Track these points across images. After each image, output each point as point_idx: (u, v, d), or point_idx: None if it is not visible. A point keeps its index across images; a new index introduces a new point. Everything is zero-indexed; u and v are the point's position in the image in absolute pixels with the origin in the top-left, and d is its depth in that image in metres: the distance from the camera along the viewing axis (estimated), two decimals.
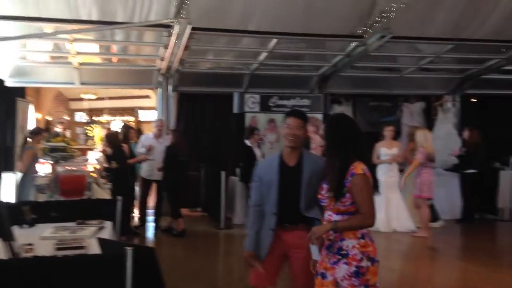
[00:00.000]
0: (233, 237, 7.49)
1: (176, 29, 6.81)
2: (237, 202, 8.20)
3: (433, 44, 8.68)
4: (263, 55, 8.62)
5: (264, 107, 9.03)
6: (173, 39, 7.15)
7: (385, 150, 7.86)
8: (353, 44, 8.36)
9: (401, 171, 8.14)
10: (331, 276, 2.78)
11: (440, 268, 6.29)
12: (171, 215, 7.66)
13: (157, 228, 7.91)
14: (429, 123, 10.56)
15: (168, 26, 6.98)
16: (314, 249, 2.81)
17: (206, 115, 9.79)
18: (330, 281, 2.78)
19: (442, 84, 10.54)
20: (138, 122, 15.14)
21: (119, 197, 4.30)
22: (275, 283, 3.32)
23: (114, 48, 8.91)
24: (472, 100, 10.98)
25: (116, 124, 14.65)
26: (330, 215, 2.84)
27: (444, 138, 9.71)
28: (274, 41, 7.97)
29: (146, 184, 7.94)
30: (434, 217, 8.02)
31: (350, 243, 2.74)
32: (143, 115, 15.30)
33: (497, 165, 9.42)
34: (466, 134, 8.76)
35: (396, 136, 8.53)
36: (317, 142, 8.98)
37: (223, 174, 7.90)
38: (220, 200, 7.90)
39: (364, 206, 2.72)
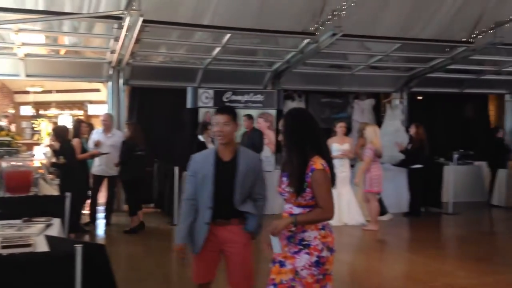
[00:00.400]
0: None
1: (127, 21, 6.66)
2: None
3: (381, 43, 8.94)
4: (216, 50, 8.58)
5: (218, 102, 8.99)
6: (124, 31, 6.99)
7: (337, 145, 8.02)
8: (305, 41, 8.48)
9: (352, 166, 8.35)
10: (290, 265, 2.82)
11: (388, 260, 6.51)
12: (129, 213, 7.51)
13: (108, 224, 7.74)
14: (379, 119, 10.89)
15: (118, 18, 6.82)
16: (275, 241, 2.84)
17: (158, 109, 9.62)
18: (289, 269, 2.82)
19: (390, 82, 10.88)
20: (88, 117, 14.71)
21: (68, 194, 4.18)
22: (215, 276, 3.38)
23: (62, 39, 8.60)
24: (418, 97, 11.41)
25: (64, 118, 14.20)
26: (290, 208, 2.88)
27: (392, 134, 10.05)
28: (228, 36, 7.96)
29: (97, 181, 7.74)
30: (382, 210, 8.28)
31: (312, 234, 2.81)
32: (93, 109, 14.87)
33: (442, 160, 9.82)
34: (412, 130, 9.06)
35: (347, 132, 8.74)
36: (270, 137, 9.07)
37: (176, 169, 7.82)
38: (173, 196, 7.82)
39: (324, 200, 2.78)
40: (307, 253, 2.78)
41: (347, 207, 8.03)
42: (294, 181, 2.79)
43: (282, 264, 2.85)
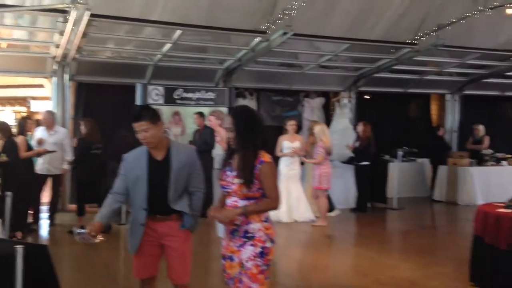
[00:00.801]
0: None
1: (73, 15, 6.45)
2: None
3: (330, 42, 9.12)
4: (167, 46, 8.46)
5: (169, 99, 8.88)
6: (69, 25, 6.77)
7: (288, 143, 8.12)
8: (257, 40, 8.52)
9: (302, 164, 8.48)
10: (237, 258, 2.94)
11: (336, 255, 6.68)
12: (78, 214, 7.27)
13: (52, 224, 7.49)
14: (328, 118, 11.12)
15: (64, 11, 6.59)
16: (220, 227, 2.97)
17: (106, 106, 9.35)
18: (237, 263, 2.94)
19: (339, 81, 11.12)
20: (31, 113, 14.12)
21: (9, 193, 4.01)
22: (157, 271, 3.41)
23: (4, 32, 8.22)
24: (365, 97, 11.75)
25: (5, 115, 13.60)
26: (235, 201, 2.95)
27: (341, 132, 10.30)
28: (178, 32, 7.87)
29: (41, 180, 7.45)
30: (330, 207, 8.46)
31: (256, 226, 2.92)
32: (36, 106, 14.29)
33: (387, 157, 10.15)
34: (360, 128, 9.31)
35: (298, 130, 8.86)
36: (221, 135, 9.04)
37: None
38: None
39: (272, 191, 2.92)
40: (252, 245, 2.90)
41: (297, 203, 8.15)
42: (246, 173, 2.88)
43: (231, 259, 2.97)
